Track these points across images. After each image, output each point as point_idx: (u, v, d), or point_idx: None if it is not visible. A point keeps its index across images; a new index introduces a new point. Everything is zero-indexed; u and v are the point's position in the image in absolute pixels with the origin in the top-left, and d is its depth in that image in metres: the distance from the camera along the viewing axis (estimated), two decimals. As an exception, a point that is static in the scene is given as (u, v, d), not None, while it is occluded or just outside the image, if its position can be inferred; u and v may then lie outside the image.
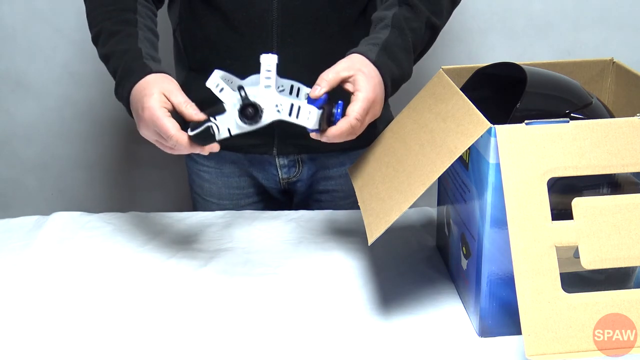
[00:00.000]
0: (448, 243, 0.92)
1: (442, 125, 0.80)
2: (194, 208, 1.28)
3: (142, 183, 1.84)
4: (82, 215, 1.11)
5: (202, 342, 0.81)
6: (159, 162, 1.82)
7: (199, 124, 0.82)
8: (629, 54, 1.67)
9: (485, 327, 0.80)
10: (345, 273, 0.94)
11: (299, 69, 1.03)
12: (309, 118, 0.82)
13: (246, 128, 0.81)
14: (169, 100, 0.86)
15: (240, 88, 0.80)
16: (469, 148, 0.77)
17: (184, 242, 1.03)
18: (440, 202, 0.97)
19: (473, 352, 0.79)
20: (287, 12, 1.03)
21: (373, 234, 0.78)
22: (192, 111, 0.84)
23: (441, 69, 0.92)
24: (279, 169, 1.17)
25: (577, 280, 0.76)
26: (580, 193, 0.73)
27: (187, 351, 0.79)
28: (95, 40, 1.01)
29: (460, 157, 0.82)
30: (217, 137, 0.82)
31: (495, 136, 0.71)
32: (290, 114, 0.83)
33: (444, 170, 0.74)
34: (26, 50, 1.68)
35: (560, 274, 0.70)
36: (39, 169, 1.82)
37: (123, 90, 0.92)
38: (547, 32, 1.68)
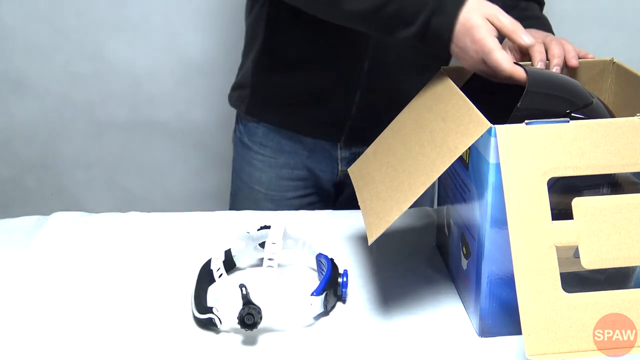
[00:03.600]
0: (448, 243, 0.92)
1: (442, 125, 0.80)
2: (234, 197, 1.28)
3: (142, 183, 1.84)
4: (82, 215, 1.11)
5: (201, 340, 0.81)
6: (159, 163, 1.82)
7: (203, 311, 0.82)
8: (629, 54, 1.66)
9: (485, 327, 0.80)
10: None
11: (388, 73, 1.07)
12: (310, 309, 0.83)
13: (244, 329, 0.80)
14: (493, 25, 0.84)
15: (242, 287, 0.80)
16: (469, 148, 0.77)
17: (184, 242, 1.03)
18: (440, 202, 0.97)
19: (473, 352, 0.79)
20: None
21: (373, 234, 0.78)
22: (520, 35, 0.84)
23: (441, 69, 0.92)
24: (339, 162, 1.19)
25: (577, 280, 0.76)
26: (580, 193, 0.73)
27: (187, 350, 0.79)
28: None
29: (461, 157, 0.82)
30: (220, 327, 0.82)
31: (496, 136, 0.71)
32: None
33: (444, 170, 0.74)
34: (26, 50, 1.68)
35: (560, 274, 0.70)
36: (39, 169, 1.82)
37: (445, 19, 0.85)
38: (547, 32, 1.68)
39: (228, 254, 0.95)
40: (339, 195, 1.26)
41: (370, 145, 0.96)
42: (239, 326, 0.78)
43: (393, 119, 1.14)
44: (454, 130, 0.76)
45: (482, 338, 0.81)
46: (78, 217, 1.10)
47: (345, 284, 0.87)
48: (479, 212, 0.77)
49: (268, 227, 0.88)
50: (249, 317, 0.78)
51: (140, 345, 0.80)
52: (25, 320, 0.85)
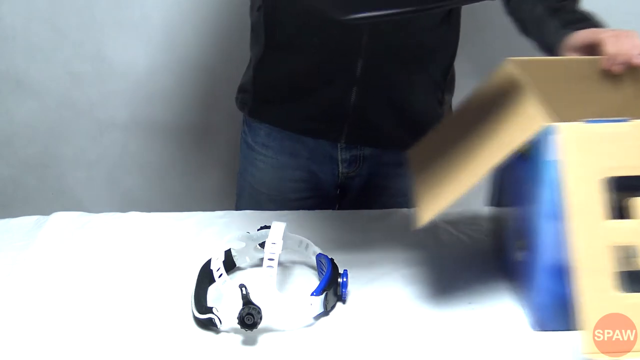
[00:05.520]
0: (502, 236, 0.92)
1: (501, 118, 0.80)
2: (239, 197, 1.29)
3: (142, 183, 1.84)
4: (82, 215, 1.11)
5: (201, 340, 0.81)
6: (159, 162, 1.82)
7: (203, 311, 0.82)
8: (629, 54, 1.66)
9: (541, 321, 0.80)
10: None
11: (385, 62, 1.07)
12: (310, 309, 0.83)
13: (244, 329, 0.80)
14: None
15: (242, 287, 0.80)
16: (528, 142, 0.76)
17: (184, 242, 1.03)
18: (494, 196, 0.97)
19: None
20: None
21: (420, 221, 0.77)
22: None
23: (506, 60, 0.91)
24: (339, 164, 1.19)
25: (634, 279, 0.76)
26: (638, 192, 0.73)
27: (187, 350, 0.79)
28: None
29: (519, 152, 0.82)
30: (220, 327, 0.82)
31: (555, 133, 0.71)
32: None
33: (497, 163, 0.73)
34: (26, 50, 1.68)
35: (618, 272, 0.69)
36: (39, 169, 1.82)
37: None
38: (547, 32, 1.68)
39: (228, 254, 0.95)
40: (342, 199, 1.27)
41: (431, 131, 0.95)
42: (238, 326, 0.78)
43: (392, 119, 1.14)
44: (512, 124, 0.76)
45: (537, 332, 0.80)
46: (78, 217, 1.10)
47: (345, 284, 0.87)
48: (537, 207, 0.77)
49: (268, 227, 0.88)
50: (249, 317, 0.78)
51: (141, 345, 0.80)
52: (25, 320, 0.85)
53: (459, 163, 0.81)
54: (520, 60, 0.91)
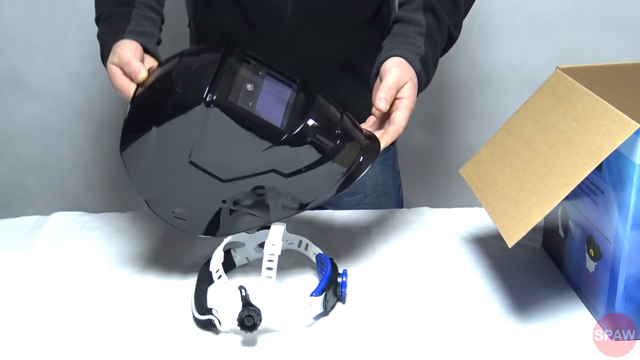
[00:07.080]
0: (563, 244, 0.91)
1: (575, 126, 0.78)
2: None
3: (142, 183, 1.84)
4: (82, 215, 1.11)
5: (201, 341, 0.81)
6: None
7: (203, 312, 0.82)
8: (629, 54, 1.67)
9: (619, 330, 0.79)
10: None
11: (312, 68, 1.04)
12: (310, 310, 0.83)
13: (244, 331, 0.80)
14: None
15: (242, 288, 0.80)
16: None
17: (184, 242, 1.03)
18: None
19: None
20: (301, 10, 1.04)
21: (512, 237, 0.76)
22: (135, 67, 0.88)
23: (558, 69, 0.90)
24: None
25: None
26: None
27: (186, 351, 0.80)
28: (97, 22, 1.01)
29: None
30: (220, 328, 0.81)
31: None
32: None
33: (590, 171, 0.72)
34: (26, 50, 1.69)
35: None
36: (39, 169, 1.83)
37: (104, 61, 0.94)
38: (547, 32, 1.68)
39: (228, 254, 0.95)
40: None
41: (483, 147, 0.94)
42: (238, 327, 0.78)
43: None
44: (593, 131, 0.75)
45: (614, 341, 0.79)
46: (78, 217, 1.10)
47: (344, 284, 0.87)
48: (618, 214, 0.75)
49: (268, 227, 0.88)
50: (249, 319, 0.78)
51: (141, 346, 0.80)
52: (25, 320, 0.85)
53: (536, 175, 0.79)
54: (571, 68, 0.90)
